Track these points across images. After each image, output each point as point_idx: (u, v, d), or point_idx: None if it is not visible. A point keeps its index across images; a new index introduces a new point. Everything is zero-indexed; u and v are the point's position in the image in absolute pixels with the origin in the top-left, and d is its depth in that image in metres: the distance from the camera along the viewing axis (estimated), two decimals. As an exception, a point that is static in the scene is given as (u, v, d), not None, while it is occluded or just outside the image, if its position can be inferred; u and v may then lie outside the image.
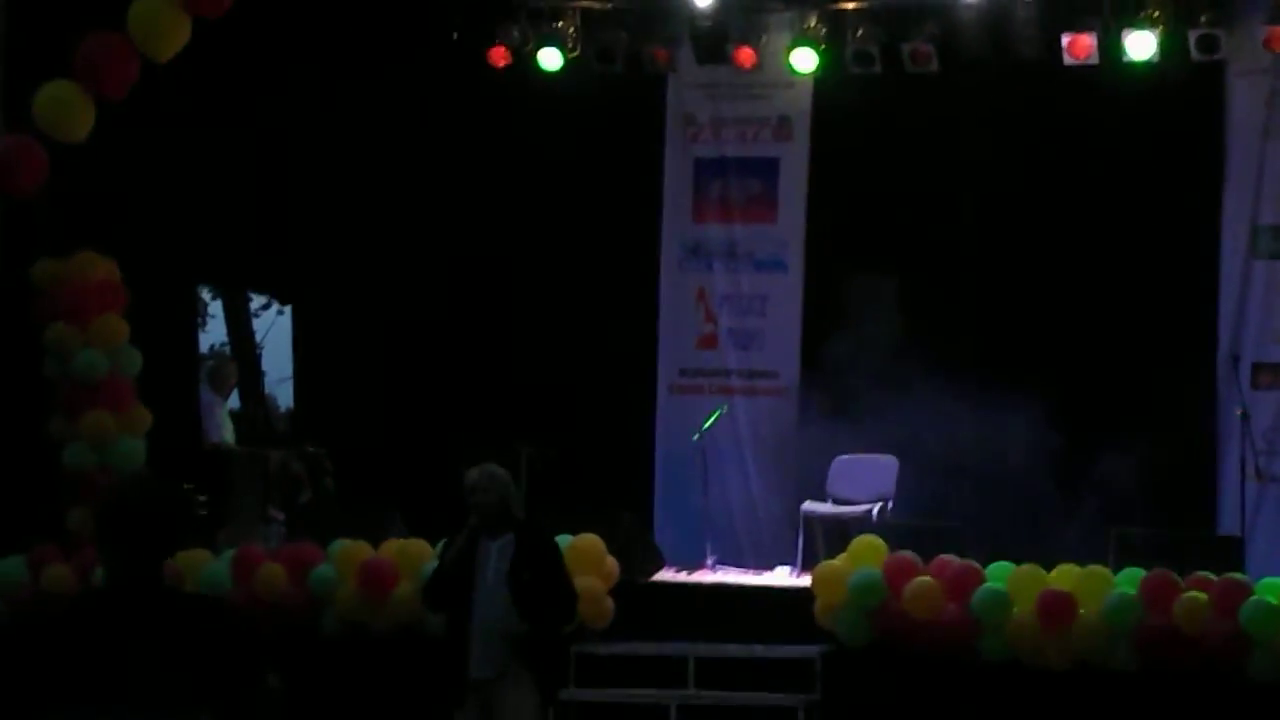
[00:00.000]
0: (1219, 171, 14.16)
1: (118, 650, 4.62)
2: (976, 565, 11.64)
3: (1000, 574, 11.56)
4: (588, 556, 11.96)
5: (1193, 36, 13.97)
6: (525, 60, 15.34)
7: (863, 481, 14.06)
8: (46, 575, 12.36)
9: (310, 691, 11.74)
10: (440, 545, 9.43)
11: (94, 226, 13.13)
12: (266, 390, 20.16)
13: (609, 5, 15.30)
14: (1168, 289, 14.39)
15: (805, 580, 12.44)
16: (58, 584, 12.28)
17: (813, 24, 14.87)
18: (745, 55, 15.13)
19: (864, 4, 14.80)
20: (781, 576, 13.45)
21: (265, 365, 24.56)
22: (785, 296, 15.21)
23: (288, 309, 20.48)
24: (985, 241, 15.06)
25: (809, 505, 13.95)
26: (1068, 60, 14.22)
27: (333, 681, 12.07)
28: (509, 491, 8.97)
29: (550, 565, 9.02)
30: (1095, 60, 14.18)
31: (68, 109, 11.82)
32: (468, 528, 8.95)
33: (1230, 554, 11.89)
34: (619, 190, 15.41)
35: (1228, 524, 13.24)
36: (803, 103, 15.25)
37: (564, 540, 11.98)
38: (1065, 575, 11.49)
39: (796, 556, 13.67)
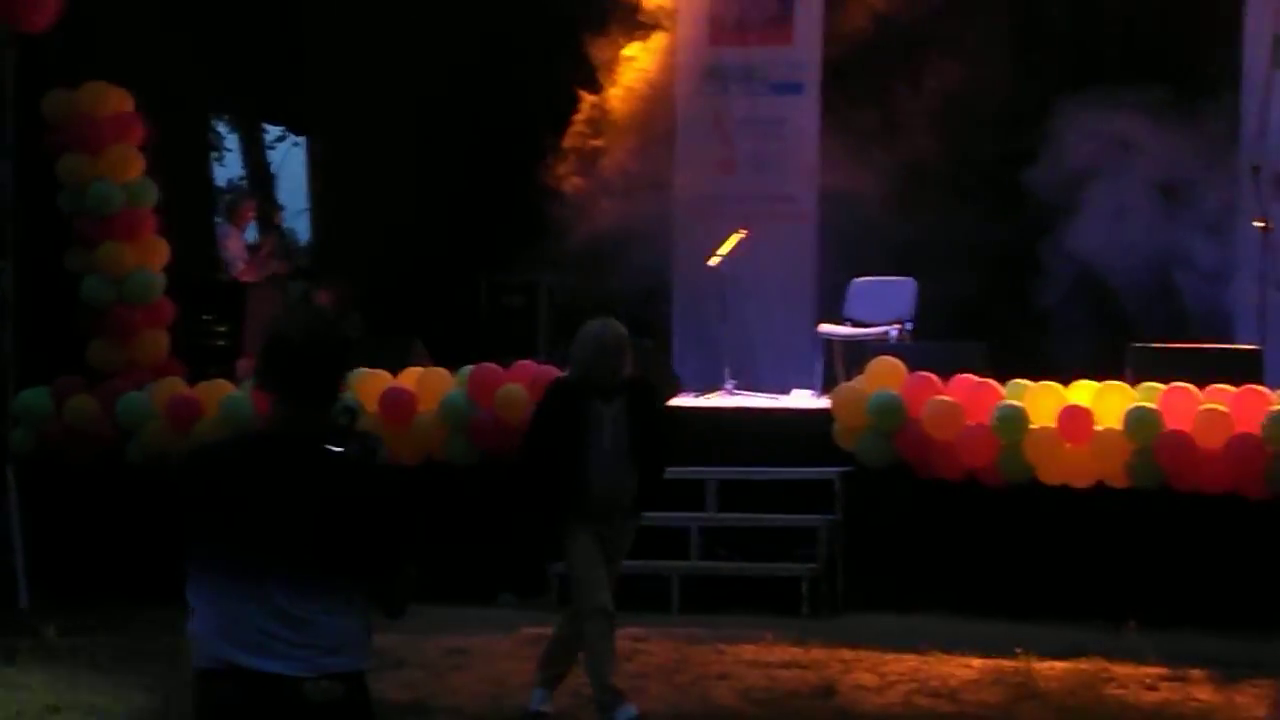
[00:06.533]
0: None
1: (276, 505, 4.34)
2: (995, 383, 11.65)
3: (1019, 392, 11.56)
4: (607, 381, 11.97)
5: None
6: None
7: (880, 303, 14.05)
8: (70, 406, 12.47)
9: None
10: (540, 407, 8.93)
11: (108, 59, 13.06)
12: (284, 223, 20.11)
13: None
14: (1189, 101, 14.26)
15: (824, 402, 12.46)
16: (81, 415, 12.39)
17: None
18: None
19: None
20: (800, 399, 13.46)
21: (281, 198, 24.54)
22: (803, 120, 15.08)
23: (303, 140, 20.43)
24: (1005, 60, 14.91)
25: (827, 328, 13.95)
26: None
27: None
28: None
29: (665, 425, 8.93)
30: None
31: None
32: (575, 387, 8.56)
33: (1249, 366, 11.86)
34: (633, 13, 15.23)
35: (1246, 336, 13.20)
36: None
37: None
38: (1083, 390, 11.49)
39: (815, 379, 13.70)
